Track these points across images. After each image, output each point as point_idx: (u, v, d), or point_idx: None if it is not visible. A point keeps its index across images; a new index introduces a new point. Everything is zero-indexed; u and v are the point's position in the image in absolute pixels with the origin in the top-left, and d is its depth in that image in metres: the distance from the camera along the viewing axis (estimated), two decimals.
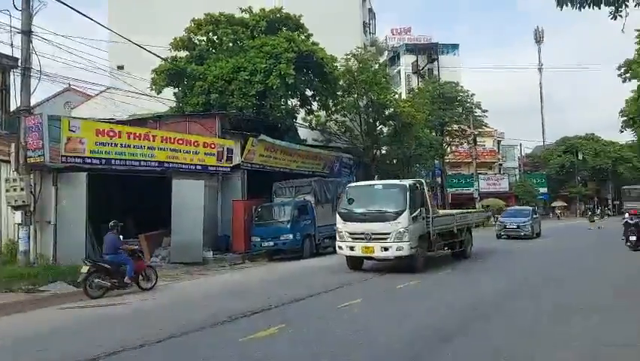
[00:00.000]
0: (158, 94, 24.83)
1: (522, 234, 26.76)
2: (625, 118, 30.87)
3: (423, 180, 15.24)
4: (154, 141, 17.94)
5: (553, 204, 66.76)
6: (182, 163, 18.77)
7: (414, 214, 13.64)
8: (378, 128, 32.09)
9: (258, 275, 15.24)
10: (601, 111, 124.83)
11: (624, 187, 55.13)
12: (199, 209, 17.80)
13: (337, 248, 14.53)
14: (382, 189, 14.77)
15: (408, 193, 13.74)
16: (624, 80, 24.45)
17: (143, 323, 8.66)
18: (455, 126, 44.77)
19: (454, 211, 18.96)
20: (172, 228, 17.70)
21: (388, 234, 13.41)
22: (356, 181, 29.55)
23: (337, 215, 14.56)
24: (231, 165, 20.60)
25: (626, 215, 24.64)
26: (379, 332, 7.50)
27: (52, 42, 17.21)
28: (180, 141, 18.88)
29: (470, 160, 50.19)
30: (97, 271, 11.26)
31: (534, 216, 29.02)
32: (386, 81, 31.75)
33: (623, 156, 65.20)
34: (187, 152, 19.01)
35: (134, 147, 17.26)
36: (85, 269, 11.16)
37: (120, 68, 30.02)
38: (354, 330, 7.58)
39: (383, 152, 33.54)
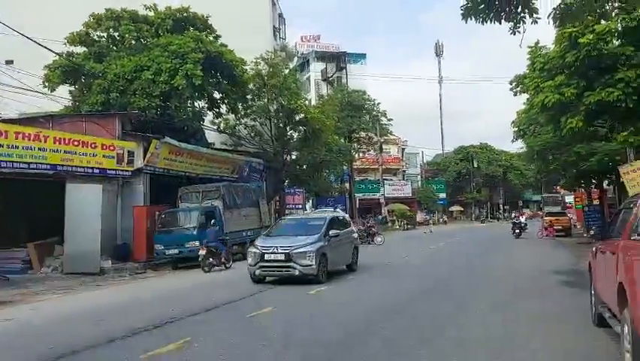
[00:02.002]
0: (51, 92, 22.99)
1: (297, 273, 12.46)
2: (516, 129, 33.07)
3: None
4: (46, 142, 16.60)
5: (451, 209, 70.78)
6: (77, 166, 17.50)
7: None
8: (289, 134, 32.03)
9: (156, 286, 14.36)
10: (496, 122, 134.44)
11: (544, 195, 59.77)
12: (96, 215, 16.67)
13: None
14: None
15: None
16: (515, 94, 26.32)
17: (30, 341, 7.82)
18: (363, 133, 46.04)
19: None
20: (65, 236, 16.44)
21: None
22: (266, 186, 29.59)
23: None
24: (133, 169, 19.48)
25: (514, 217, 30.97)
26: None
27: None
28: (76, 142, 17.59)
29: (377, 166, 51.84)
30: (208, 253, 16.22)
31: (330, 234, 13.57)
32: (296, 86, 31.77)
33: (512, 164, 70.43)
34: (83, 154, 17.75)
35: (23, 148, 15.91)
36: (202, 252, 16.25)
37: (9, 62, 27.56)
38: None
39: (293, 157, 33.55)
